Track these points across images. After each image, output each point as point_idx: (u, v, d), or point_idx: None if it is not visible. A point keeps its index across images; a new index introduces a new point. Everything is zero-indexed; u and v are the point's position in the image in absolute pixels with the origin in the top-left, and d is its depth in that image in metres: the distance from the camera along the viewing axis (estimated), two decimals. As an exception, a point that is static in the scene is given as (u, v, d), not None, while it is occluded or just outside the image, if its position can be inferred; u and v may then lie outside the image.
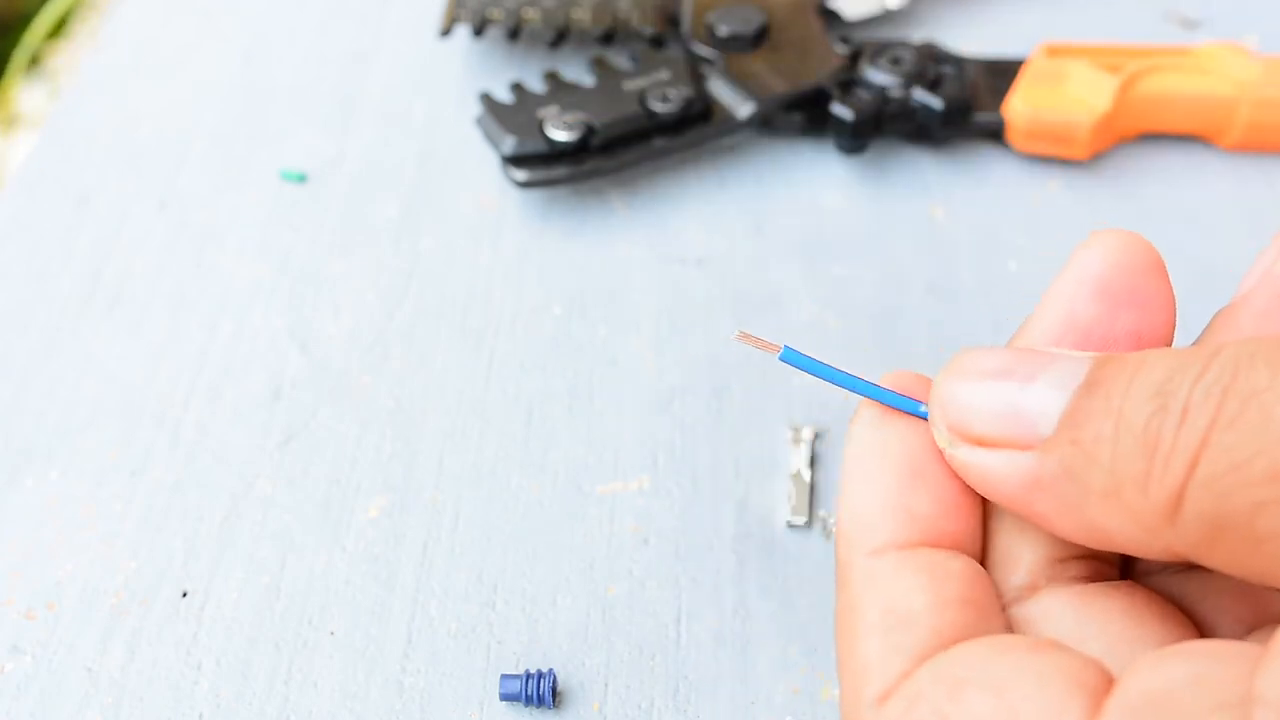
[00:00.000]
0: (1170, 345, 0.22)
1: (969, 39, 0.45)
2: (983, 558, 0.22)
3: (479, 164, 0.42)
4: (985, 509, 0.22)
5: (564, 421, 0.34)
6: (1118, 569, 0.22)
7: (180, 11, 0.49)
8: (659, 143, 0.40)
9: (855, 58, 0.41)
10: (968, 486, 0.21)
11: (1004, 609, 0.21)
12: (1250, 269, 0.23)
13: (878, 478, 0.22)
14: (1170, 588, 0.22)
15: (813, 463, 0.33)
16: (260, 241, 0.39)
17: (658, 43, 0.43)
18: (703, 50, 0.42)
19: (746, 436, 0.33)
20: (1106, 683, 0.18)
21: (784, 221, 0.40)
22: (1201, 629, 0.21)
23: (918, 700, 0.19)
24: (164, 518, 0.32)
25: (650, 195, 0.41)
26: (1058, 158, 0.40)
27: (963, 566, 0.21)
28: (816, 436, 0.33)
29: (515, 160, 0.39)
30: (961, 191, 0.40)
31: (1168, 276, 0.22)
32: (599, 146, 0.39)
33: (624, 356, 0.36)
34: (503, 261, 0.39)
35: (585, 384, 0.35)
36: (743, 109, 0.40)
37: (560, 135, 0.38)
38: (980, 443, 0.20)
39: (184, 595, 0.31)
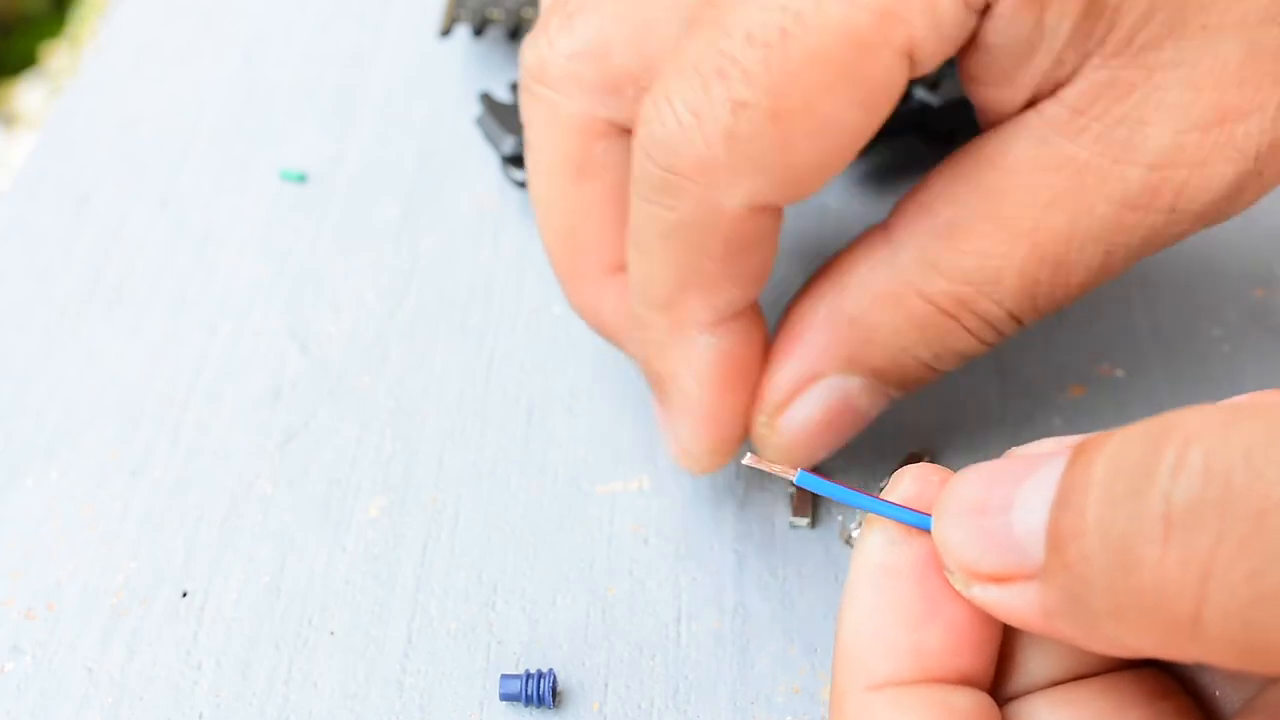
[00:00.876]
0: None
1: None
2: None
3: (479, 164, 0.42)
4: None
5: (564, 421, 0.34)
6: None
7: (180, 11, 0.49)
8: None
9: None
10: (985, 616, 0.20)
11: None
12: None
13: (886, 606, 0.20)
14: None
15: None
16: (260, 241, 0.39)
17: None
18: None
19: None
20: None
21: (784, 223, 0.39)
22: (1196, 685, 0.21)
23: None
24: (164, 518, 0.32)
25: (650, 195, 0.41)
26: None
27: (969, 703, 0.20)
28: None
29: (515, 160, 0.39)
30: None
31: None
32: None
33: (624, 356, 0.36)
34: (503, 261, 0.39)
35: (585, 384, 0.35)
36: None
37: None
38: (990, 579, 0.19)
39: (184, 595, 0.31)
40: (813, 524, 0.31)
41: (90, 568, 0.31)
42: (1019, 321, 0.27)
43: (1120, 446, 0.17)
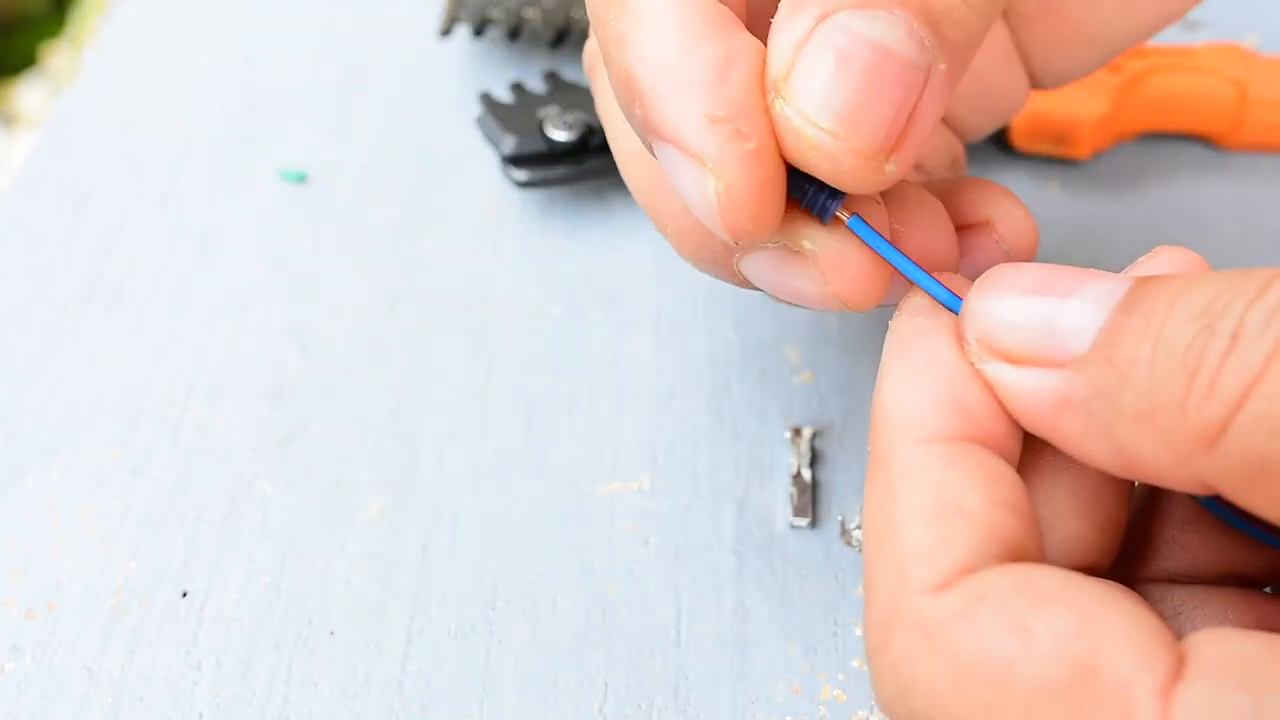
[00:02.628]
0: None
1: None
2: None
3: (479, 164, 0.42)
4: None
5: (564, 421, 0.34)
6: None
7: (180, 11, 0.49)
8: None
9: None
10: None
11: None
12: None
13: (929, 366, 0.20)
14: (1153, 598, 0.21)
15: (813, 462, 0.33)
16: (260, 241, 0.39)
17: None
18: None
19: (746, 436, 0.34)
20: (1177, 642, 0.17)
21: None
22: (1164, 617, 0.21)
23: (988, 600, 0.18)
24: (164, 518, 0.32)
25: (650, 195, 0.41)
26: (1058, 157, 0.40)
27: (1010, 473, 0.20)
28: (816, 435, 0.33)
29: (515, 160, 0.39)
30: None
31: None
32: (599, 146, 0.39)
33: (624, 356, 0.36)
34: (503, 261, 0.39)
35: (585, 384, 0.35)
36: None
37: (560, 135, 0.38)
38: (1010, 359, 0.19)
39: (184, 595, 0.31)
40: (813, 524, 0.31)
41: (90, 568, 0.31)
42: None
43: (1195, 279, 0.18)
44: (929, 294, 0.21)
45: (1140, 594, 0.21)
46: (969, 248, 0.27)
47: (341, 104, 0.44)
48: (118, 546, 0.32)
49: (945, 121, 0.32)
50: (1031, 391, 0.19)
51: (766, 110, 0.21)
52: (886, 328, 0.23)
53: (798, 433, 0.33)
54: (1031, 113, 0.39)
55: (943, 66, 0.21)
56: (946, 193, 0.28)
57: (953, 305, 0.21)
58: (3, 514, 0.32)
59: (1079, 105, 0.39)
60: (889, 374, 0.21)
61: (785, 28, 0.21)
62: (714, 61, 0.21)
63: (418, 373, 0.35)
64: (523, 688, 0.29)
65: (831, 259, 0.23)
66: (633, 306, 0.37)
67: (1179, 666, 0.17)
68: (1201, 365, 0.17)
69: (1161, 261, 0.21)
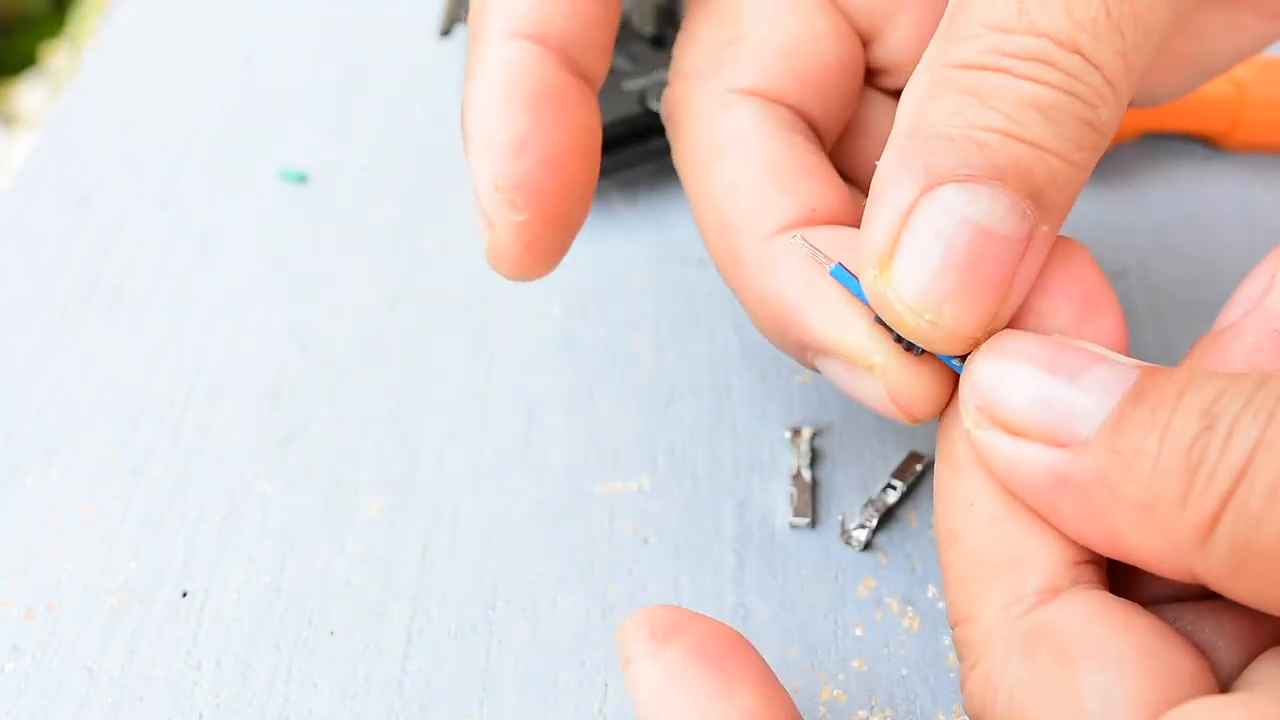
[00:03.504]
0: None
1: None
2: (965, 583, 0.22)
3: (479, 164, 0.42)
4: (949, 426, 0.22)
5: (564, 421, 0.34)
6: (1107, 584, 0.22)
7: (180, 11, 0.49)
8: (659, 142, 0.40)
9: None
10: (768, 671, 0.21)
11: (1023, 614, 0.21)
12: (1235, 296, 0.23)
13: (689, 692, 0.20)
14: (1164, 611, 0.22)
15: (813, 463, 0.33)
16: (260, 241, 0.39)
17: (658, 42, 0.43)
18: None
19: (746, 436, 0.34)
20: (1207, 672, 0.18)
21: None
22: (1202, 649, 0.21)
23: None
24: (164, 518, 0.32)
25: (650, 195, 0.41)
26: None
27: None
28: (816, 435, 0.33)
29: None
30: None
31: None
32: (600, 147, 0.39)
33: (624, 356, 0.36)
34: (503, 261, 0.39)
35: (585, 384, 0.35)
36: None
37: None
38: (1010, 430, 0.20)
39: (184, 595, 0.31)
40: (813, 524, 0.31)
41: (90, 568, 0.31)
42: (1076, 51, 0.21)
43: (1199, 377, 0.18)
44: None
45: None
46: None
47: (341, 104, 0.44)
48: (118, 546, 0.32)
49: None
50: (1030, 466, 0.19)
51: (548, 190, 0.24)
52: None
53: (797, 433, 0.33)
54: None
55: (1045, 229, 0.21)
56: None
57: (948, 363, 0.22)
58: (3, 514, 0.32)
59: None
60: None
61: (888, 196, 0.22)
62: (516, 135, 0.24)
63: (418, 373, 0.35)
64: (523, 688, 0.29)
65: (897, 378, 0.23)
66: (633, 306, 0.37)
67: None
68: (1203, 462, 0.17)
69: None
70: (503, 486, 0.33)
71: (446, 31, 0.43)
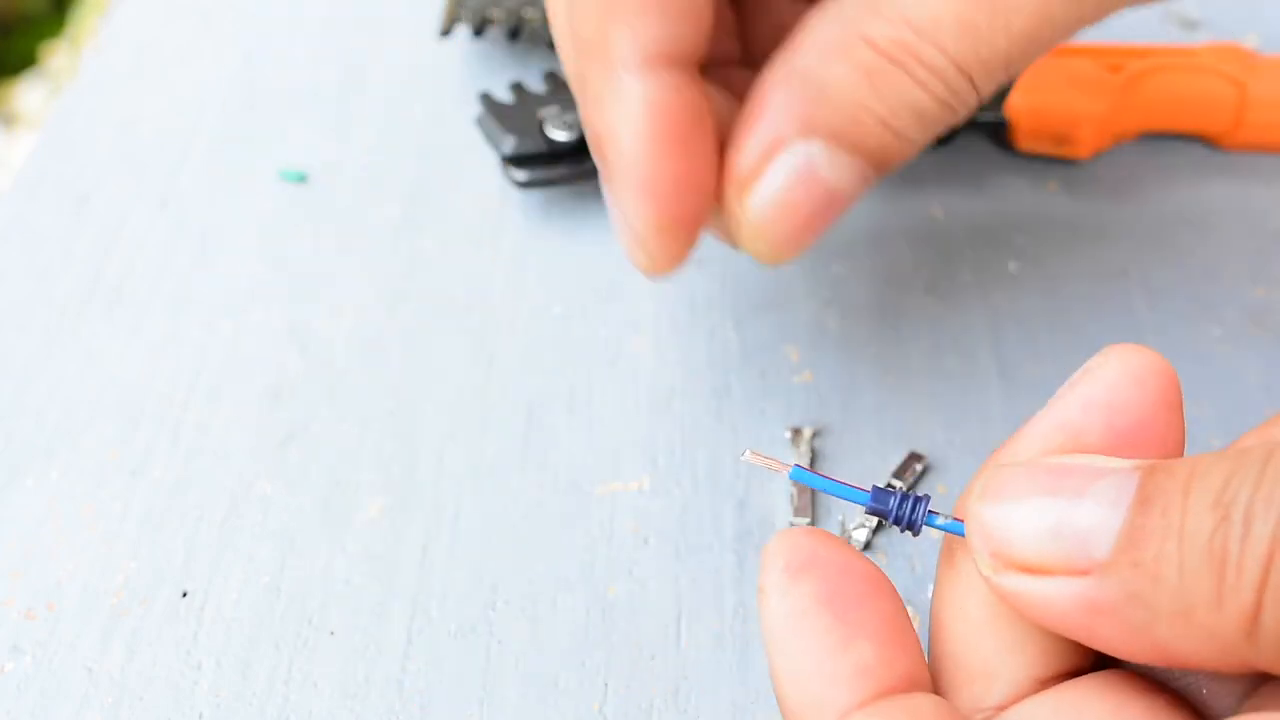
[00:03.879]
0: None
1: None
2: (940, 678, 0.22)
3: (479, 164, 0.42)
4: (941, 629, 0.22)
5: (564, 421, 0.34)
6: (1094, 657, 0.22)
7: (180, 11, 0.49)
8: None
9: None
10: (898, 612, 0.21)
11: None
12: None
13: (812, 642, 0.20)
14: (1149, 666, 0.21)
15: (813, 462, 0.33)
16: (260, 241, 0.39)
17: None
18: None
19: (746, 436, 0.34)
20: None
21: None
22: (1186, 696, 0.21)
23: None
24: (164, 518, 0.32)
25: (650, 195, 0.41)
26: (1058, 157, 0.40)
27: (930, 705, 0.20)
28: (816, 435, 0.33)
29: (515, 160, 0.39)
30: (961, 191, 0.40)
31: (1182, 413, 0.21)
32: None
33: (624, 356, 0.36)
34: (503, 261, 0.39)
35: (585, 384, 0.35)
36: None
37: (560, 135, 0.38)
38: (1028, 569, 0.19)
39: (184, 595, 0.31)
40: (813, 523, 0.31)
41: (90, 568, 0.31)
42: (968, 78, 0.25)
43: (1201, 466, 0.18)
44: (780, 548, 0.21)
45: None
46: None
47: (341, 104, 0.44)
48: (118, 546, 0.32)
49: None
50: (1059, 601, 0.19)
51: (700, 218, 0.27)
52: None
53: (798, 433, 0.33)
54: (1031, 113, 0.39)
55: (867, 177, 0.26)
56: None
57: (936, 523, 0.21)
58: (3, 514, 0.32)
59: (1079, 105, 0.39)
60: (776, 661, 0.21)
61: (764, 128, 0.26)
62: (674, 178, 0.26)
63: (418, 373, 0.35)
64: (523, 688, 0.29)
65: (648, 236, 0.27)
66: (633, 306, 0.37)
67: None
68: (1227, 556, 0.17)
69: (1112, 365, 0.21)
70: (503, 486, 0.33)
71: (447, 32, 0.43)
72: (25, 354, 0.36)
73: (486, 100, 0.40)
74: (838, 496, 0.22)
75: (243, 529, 0.32)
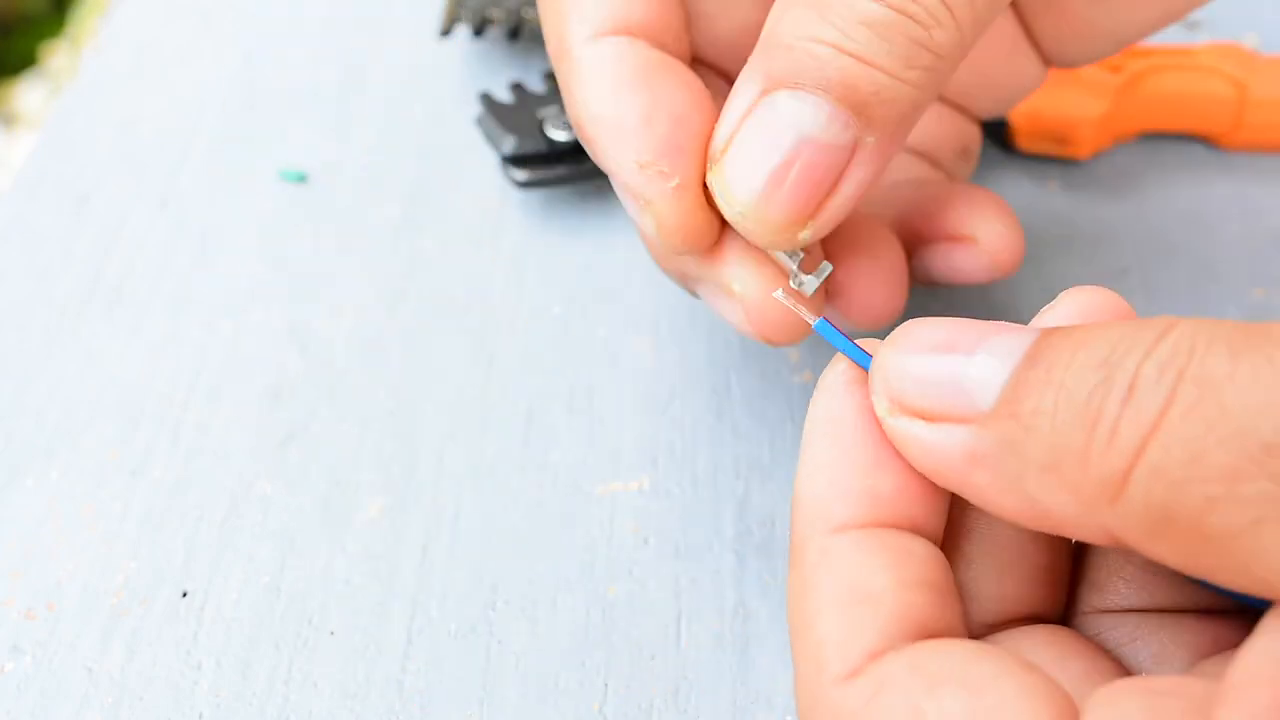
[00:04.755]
0: None
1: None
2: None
3: (479, 164, 0.42)
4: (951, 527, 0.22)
5: (564, 421, 0.34)
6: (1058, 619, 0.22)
7: (180, 11, 0.49)
8: None
9: None
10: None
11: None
12: None
13: (843, 451, 0.21)
14: (1098, 630, 0.22)
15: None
16: (260, 241, 0.39)
17: None
18: None
19: (746, 436, 0.34)
20: (1073, 711, 0.17)
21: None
22: (1131, 671, 0.21)
23: (889, 687, 0.18)
24: (164, 518, 0.32)
25: (650, 195, 0.41)
26: (1058, 157, 0.40)
27: (924, 549, 0.20)
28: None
29: (515, 160, 0.39)
30: (961, 191, 0.40)
31: None
32: None
33: (624, 356, 0.36)
34: (503, 261, 0.39)
35: (585, 384, 0.35)
36: None
37: (560, 135, 0.38)
38: (920, 415, 0.20)
39: (184, 595, 0.31)
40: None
41: (90, 568, 0.31)
42: None
43: (1096, 331, 0.18)
44: (849, 360, 0.22)
45: (1088, 624, 0.22)
46: (955, 261, 0.29)
47: (341, 104, 0.44)
48: (118, 546, 0.32)
49: (955, 107, 0.33)
50: (941, 448, 0.19)
51: (688, 149, 0.25)
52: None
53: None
54: (1031, 113, 0.39)
55: (870, 141, 0.23)
56: (937, 202, 0.29)
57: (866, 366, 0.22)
58: (3, 514, 0.32)
59: (1079, 106, 0.39)
60: (804, 462, 0.21)
61: (734, 99, 0.24)
62: (640, 111, 0.25)
63: (418, 373, 0.35)
64: (523, 688, 0.29)
65: (754, 303, 0.26)
66: (633, 306, 0.37)
67: None
68: (1101, 417, 0.17)
69: (1069, 305, 0.21)
70: (503, 486, 0.33)
71: (446, 32, 0.43)
72: (25, 354, 0.36)
73: (486, 100, 0.40)
74: (854, 360, 0.22)
75: (243, 529, 0.32)
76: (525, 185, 0.39)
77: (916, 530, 0.21)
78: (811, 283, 0.25)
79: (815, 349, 0.36)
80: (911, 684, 0.18)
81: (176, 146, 0.43)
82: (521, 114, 0.39)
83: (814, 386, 0.34)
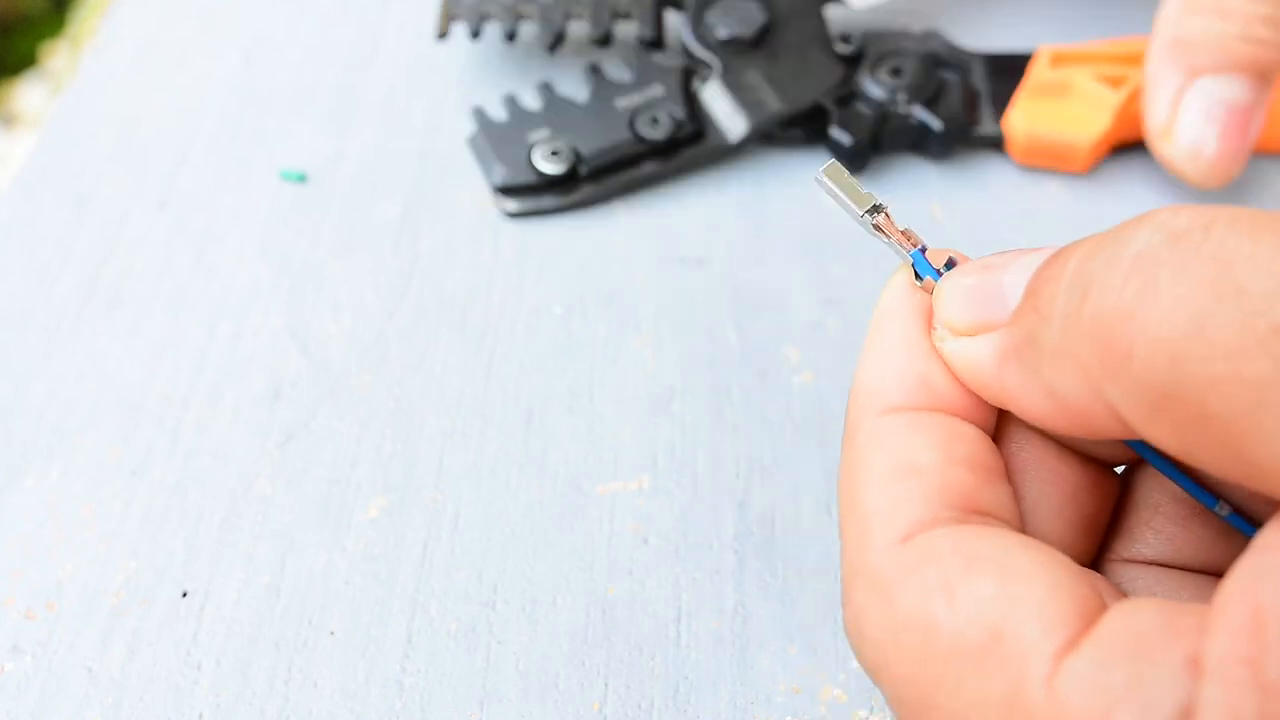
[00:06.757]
0: None
1: (976, 24, 0.45)
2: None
3: (479, 165, 0.42)
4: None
5: (564, 421, 0.34)
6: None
7: (180, 11, 0.49)
8: (648, 167, 0.40)
9: (856, 61, 0.41)
10: None
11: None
12: None
13: (900, 341, 0.22)
14: (1121, 579, 0.22)
15: (813, 463, 0.33)
16: (260, 241, 0.39)
17: (656, 43, 0.43)
18: (700, 52, 0.41)
19: (746, 436, 0.34)
20: (1100, 611, 0.18)
21: (784, 221, 0.40)
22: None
23: (929, 561, 0.19)
24: (164, 518, 0.32)
25: (650, 195, 0.41)
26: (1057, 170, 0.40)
27: (973, 432, 0.21)
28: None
29: (505, 190, 0.39)
30: (961, 192, 0.40)
31: None
32: (589, 175, 0.39)
33: (624, 356, 0.36)
34: (503, 261, 0.39)
35: (585, 384, 0.35)
36: (736, 127, 0.40)
37: (548, 168, 0.39)
38: (964, 333, 0.21)
39: (184, 595, 0.31)
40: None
41: (90, 568, 0.31)
42: None
43: (1103, 234, 0.19)
44: (914, 268, 0.23)
45: (1115, 572, 0.22)
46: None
47: (341, 104, 0.44)
48: (118, 546, 0.32)
49: None
50: (979, 355, 0.20)
51: None
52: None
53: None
54: (1029, 134, 0.39)
55: (1265, 95, 0.36)
56: None
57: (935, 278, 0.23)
58: (3, 514, 0.32)
59: (1079, 125, 0.39)
60: (865, 350, 0.23)
61: (1161, 88, 0.36)
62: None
63: (418, 373, 0.35)
64: (523, 688, 0.29)
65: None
66: (633, 306, 0.37)
67: (1081, 634, 0.17)
68: (1104, 285, 0.17)
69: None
70: (503, 486, 0.33)
71: (443, 35, 0.43)
72: (25, 354, 0.36)
73: (480, 117, 0.40)
74: (923, 272, 0.23)
75: (243, 529, 0.32)
76: (515, 215, 0.39)
77: (967, 419, 0.21)
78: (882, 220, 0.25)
79: (816, 348, 0.36)
80: (951, 561, 0.18)
81: (176, 146, 0.43)
82: (513, 137, 0.40)
83: (814, 387, 0.34)
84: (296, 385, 0.35)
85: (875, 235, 0.23)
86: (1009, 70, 0.41)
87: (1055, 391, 0.19)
